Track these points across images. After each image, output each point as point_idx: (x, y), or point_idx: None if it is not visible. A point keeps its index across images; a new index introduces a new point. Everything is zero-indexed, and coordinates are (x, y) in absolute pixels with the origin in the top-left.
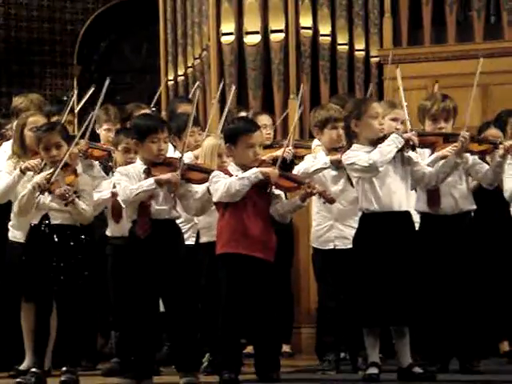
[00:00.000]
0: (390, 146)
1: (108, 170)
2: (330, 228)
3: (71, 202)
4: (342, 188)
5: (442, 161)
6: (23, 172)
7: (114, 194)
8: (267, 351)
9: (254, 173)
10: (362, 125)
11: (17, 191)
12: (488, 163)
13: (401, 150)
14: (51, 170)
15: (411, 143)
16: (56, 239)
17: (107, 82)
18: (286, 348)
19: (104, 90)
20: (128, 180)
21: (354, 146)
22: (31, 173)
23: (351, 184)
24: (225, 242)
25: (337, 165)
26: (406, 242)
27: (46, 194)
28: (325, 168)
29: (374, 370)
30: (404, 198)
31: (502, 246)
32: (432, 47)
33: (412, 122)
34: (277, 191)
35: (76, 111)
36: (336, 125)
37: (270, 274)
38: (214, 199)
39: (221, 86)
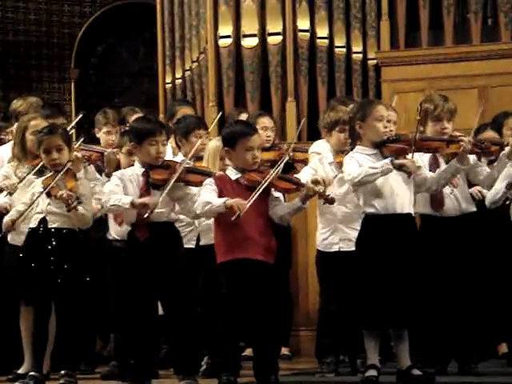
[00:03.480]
0: (375, 170)
1: (101, 171)
2: (335, 231)
3: (74, 208)
4: (346, 190)
5: (444, 165)
6: None
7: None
8: (266, 354)
9: (218, 203)
10: (366, 127)
11: (16, 197)
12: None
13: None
14: (51, 174)
15: (408, 170)
16: (54, 243)
17: (79, 116)
18: (284, 350)
19: (74, 122)
20: (119, 185)
21: (357, 148)
22: (33, 177)
23: None
24: (224, 251)
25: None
26: (409, 244)
27: (44, 197)
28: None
29: (372, 373)
30: (407, 201)
31: (501, 249)
32: (429, 49)
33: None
34: (276, 193)
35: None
36: (344, 127)
37: (271, 277)
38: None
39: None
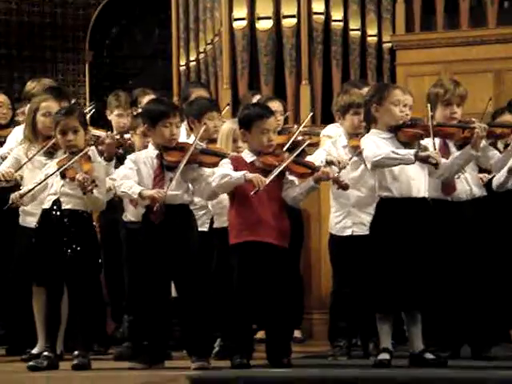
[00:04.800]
0: (397, 156)
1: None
2: (348, 214)
3: (90, 191)
4: (360, 174)
5: (457, 152)
6: None
7: None
8: (279, 337)
9: (237, 176)
10: (382, 110)
11: (25, 178)
12: (499, 150)
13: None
14: (66, 156)
15: (434, 162)
16: (67, 223)
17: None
18: (297, 333)
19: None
20: (133, 168)
21: (373, 131)
22: (43, 158)
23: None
24: (237, 233)
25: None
26: (424, 228)
27: (59, 179)
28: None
29: (385, 356)
30: (422, 185)
31: None
32: (445, 33)
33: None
34: (290, 177)
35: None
36: (358, 110)
37: (284, 260)
38: None
39: None
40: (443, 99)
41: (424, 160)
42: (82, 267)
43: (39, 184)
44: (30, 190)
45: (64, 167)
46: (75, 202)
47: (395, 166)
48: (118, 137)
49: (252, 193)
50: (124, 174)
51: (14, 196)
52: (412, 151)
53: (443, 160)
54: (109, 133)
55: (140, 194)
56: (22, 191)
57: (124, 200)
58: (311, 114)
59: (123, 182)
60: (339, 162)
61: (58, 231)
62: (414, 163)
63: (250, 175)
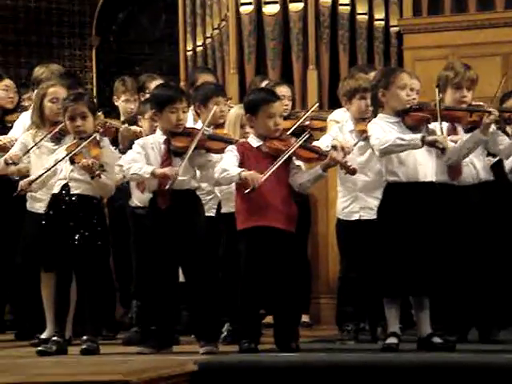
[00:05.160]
0: (403, 142)
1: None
2: (355, 199)
3: (97, 175)
4: (367, 159)
5: (466, 136)
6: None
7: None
8: (286, 321)
9: (234, 173)
10: (389, 95)
11: (32, 164)
12: (508, 134)
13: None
14: (74, 141)
15: (441, 146)
16: (76, 209)
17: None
18: (305, 318)
19: None
20: (141, 152)
21: (380, 116)
22: (50, 144)
23: None
24: (244, 218)
25: (363, 135)
26: (431, 212)
27: (68, 164)
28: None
29: (393, 340)
30: (429, 169)
31: None
32: (452, 16)
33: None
34: (297, 162)
35: None
36: (365, 95)
37: (291, 245)
38: None
39: None
40: (453, 82)
41: (431, 144)
42: (90, 252)
43: (48, 170)
44: (39, 176)
45: (73, 152)
46: (84, 187)
47: (403, 151)
48: (133, 129)
49: (246, 191)
50: (132, 158)
51: (23, 183)
52: (419, 136)
53: (452, 144)
54: (125, 126)
55: (153, 173)
56: (31, 178)
57: (130, 185)
58: (317, 104)
59: (132, 165)
60: (343, 148)
61: (67, 216)
62: (421, 148)
63: (245, 173)
